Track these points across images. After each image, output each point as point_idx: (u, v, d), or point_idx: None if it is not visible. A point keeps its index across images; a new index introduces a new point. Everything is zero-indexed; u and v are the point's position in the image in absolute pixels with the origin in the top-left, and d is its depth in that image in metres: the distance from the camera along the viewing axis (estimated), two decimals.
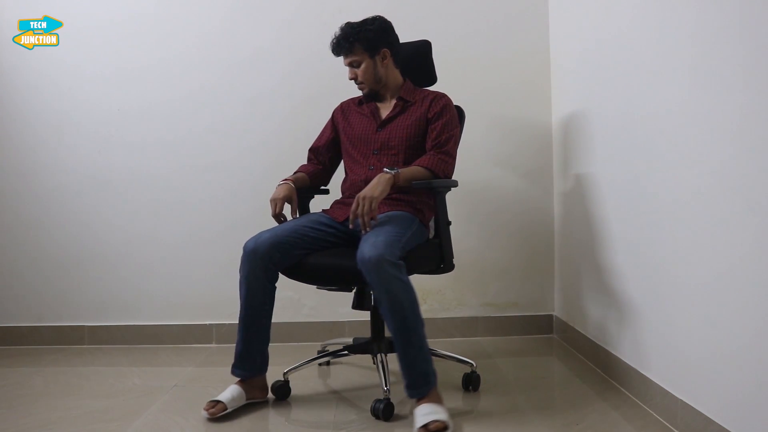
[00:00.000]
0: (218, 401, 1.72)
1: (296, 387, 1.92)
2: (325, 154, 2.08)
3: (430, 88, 2.09)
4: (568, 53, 2.39)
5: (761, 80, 1.19)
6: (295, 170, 2.04)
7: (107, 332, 2.62)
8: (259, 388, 1.83)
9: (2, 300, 2.64)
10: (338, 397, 1.90)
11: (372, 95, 2.02)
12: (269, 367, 2.20)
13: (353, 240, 1.85)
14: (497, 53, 2.59)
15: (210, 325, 2.61)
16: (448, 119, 1.95)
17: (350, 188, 1.96)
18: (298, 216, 1.93)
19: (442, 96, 2.00)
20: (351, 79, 1.98)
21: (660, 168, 1.62)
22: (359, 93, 2.06)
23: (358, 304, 1.92)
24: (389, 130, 1.98)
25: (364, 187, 1.85)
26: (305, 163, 2.10)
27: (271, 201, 1.84)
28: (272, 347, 2.52)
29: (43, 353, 2.50)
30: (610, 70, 1.96)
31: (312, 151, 2.09)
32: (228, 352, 2.49)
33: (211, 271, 2.61)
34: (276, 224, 1.84)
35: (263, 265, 1.73)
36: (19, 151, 2.61)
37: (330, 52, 1.96)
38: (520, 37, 2.59)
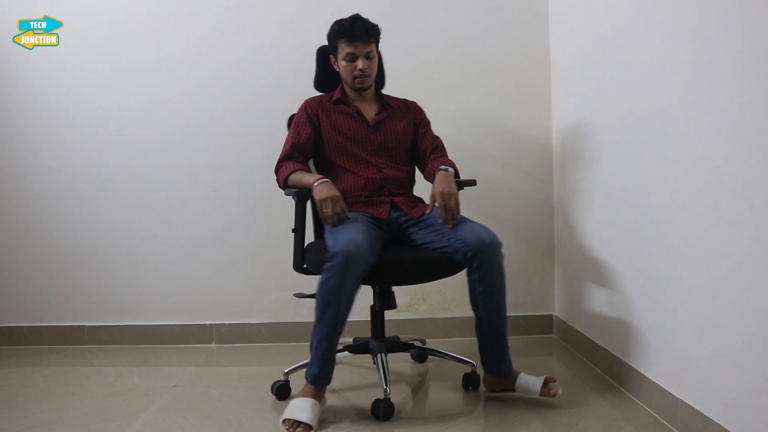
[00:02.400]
0: (302, 422, 1.58)
1: (296, 387, 1.91)
2: (307, 152, 1.99)
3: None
4: (568, 54, 2.39)
5: (761, 81, 1.19)
6: (290, 170, 1.89)
7: (107, 332, 2.62)
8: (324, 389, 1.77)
9: (2, 300, 2.64)
10: (338, 397, 1.89)
11: (360, 93, 2.01)
12: (269, 368, 2.21)
13: (398, 236, 1.91)
14: (497, 55, 2.58)
15: (210, 325, 2.61)
16: (430, 125, 2.14)
17: (367, 186, 1.93)
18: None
19: (416, 104, 2.13)
20: (361, 69, 1.92)
21: (660, 168, 1.61)
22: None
23: (385, 304, 1.92)
24: (384, 132, 2.00)
25: (386, 186, 1.94)
26: (286, 161, 1.93)
27: (327, 200, 1.73)
28: (272, 347, 2.55)
29: (43, 353, 2.50)
30: (609, 72, 1.96)
31: (296, 148, 1.95)
32: (228, 351, 2.51)
33: (211, 271, 2.61)
34: (330, 224, 1.74)
35: (365, 269, 1.64)
36: (19, 151, 2.61)
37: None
38: (521, 39, 2.58)
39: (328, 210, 1.74)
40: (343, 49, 1.92)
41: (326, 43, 2.01)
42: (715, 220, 1.36)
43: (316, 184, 1.79)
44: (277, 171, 1.95)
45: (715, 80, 1.34)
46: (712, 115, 1.36)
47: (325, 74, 2.10)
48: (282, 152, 1.97)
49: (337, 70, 2.00)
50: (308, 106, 2.02)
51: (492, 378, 1.84)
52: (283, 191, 1.94)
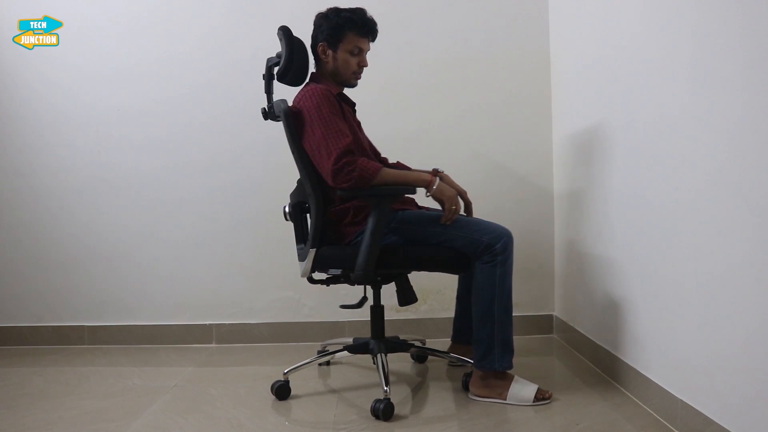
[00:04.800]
0: (538, 389, 1.79)
1: (296, 387, 1.92)
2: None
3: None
4: (568, 56, 2.39)
5: (761, 82, 1.19)
6: (378, 166, 1.71)
7: (107, 332, 2.62)
8: None
9: (2, 300, 2.64)
10: (338, 397, 1.90)
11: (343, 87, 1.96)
12: (269, 368, 2.21)
13: None
14: (498, 57, 2.58)
15: (210, 325, 2.61)
16: None
17: None
18: None
19: None
20: (363, 67, 1.90)
21: (660, 169, 1.61)
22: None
23: (407, 300, 1.87)
24: (362, 131, 2.02)
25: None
26: (359, 156, 1.73)
27: (456, 196, 1.78)
28: (272, 347, 2.55)
29: (43, 353, 2.50)
30: (609, 73, 1.95)
31: (352, 143, 1.73)
32: (228, 351, 2.52)
33: (211, 271, 2.61)
34: (450, 221, 1.77)
35: None
36: (19, 151, 2.62)
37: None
38: (521, 42, 2.58)
39: (456, 206, 1.77)
40: (352, 41, 1.85)
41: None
42: (715, 220, 1.36)
43: (437, 181, 1.77)
44: (346, 165, 1.68)
45: (716, 82, 1.34)
46: (712, 117, 1.36)
47: (293, 64, 1.85)
48: (341, 145, 1.70)
49: (326, 60, 1.88)
50: (333, 94, 1.82)
51: (466, 348, 2.05)
52: (339, 189, 1.73)
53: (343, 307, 1.90)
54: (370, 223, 1.71)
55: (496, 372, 1.80)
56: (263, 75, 1.90)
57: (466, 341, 2.09)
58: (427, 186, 1.77)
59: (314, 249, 1.81)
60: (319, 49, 1.89)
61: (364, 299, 1.93)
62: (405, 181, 1.76)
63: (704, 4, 1.39)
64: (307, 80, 1.95)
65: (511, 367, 1.80)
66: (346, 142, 1.71)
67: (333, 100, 1.80)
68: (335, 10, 1.88)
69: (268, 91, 1.90)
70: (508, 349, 1.80)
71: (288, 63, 1.83)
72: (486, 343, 1.78)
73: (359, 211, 1.83)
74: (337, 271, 1.82)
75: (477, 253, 1.77)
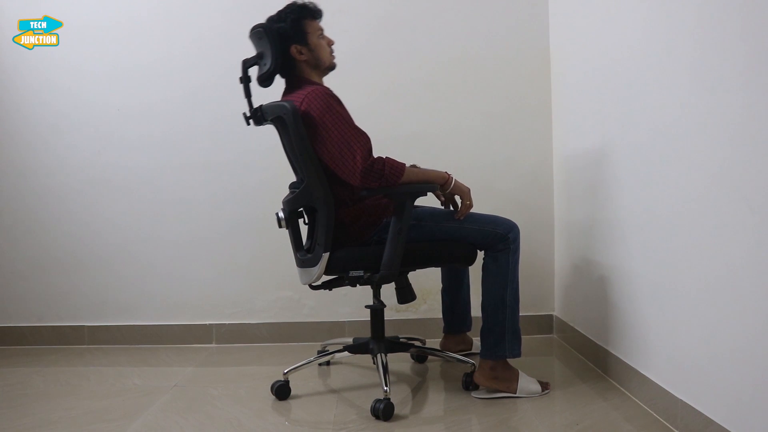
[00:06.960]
0: (542, 382, 1.87)
1: (296, 387, 1.93)
2: None
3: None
4: (568, 60, 2.39)
5: (762, 81, 1.19)
6: (403, 163, 1.73)
7: (107, 332, 2.62)
8: None
9: (2, 300, 2.64)
10: (338, 397, 1.90)
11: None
12: (269, 368, 2.21)
13: None
14: (498, 60, 2.58)
15: (210, 325, 2.61)
16: None
17: None
18: None
19: None
20: (331, 45, 1.88)
21: (660, 170, 1.61)
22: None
23: (405, 298, 1.84)
24: None
25: None
26: (379, 155, 1.73)
27: (470, 192, 1.84)
28: (272, 347, 2.55)
29: (43, 353, 2.50)
30: (610, 76, 1.95)
31: (370, 141, 1.74)
32: (228, 351, 2.51)
33: (211, 271, 2.61)
34: (460, 217, 1.82)
35: None
36: (19, 151, 2.62)
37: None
38: (521, 48, 2.57)
39: (471, 202, 1.83)
40: (312, 27, 1.82)
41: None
42: (716, 220, 1.36)
43: (454, 177, 1.83)
44: (375, 164, 1.67)
45: (717, 83, 1.34)
46: (713, 119, 1.36)
47: (278, 64, 1.80)
48: (363, 143, 1.69)
49: (303, 57, 1.82)
50: (335, 94, 1.78)
51: (459, 338, 2.25)
52: (365, 188, 1.71)
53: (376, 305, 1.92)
54: (395, 221, 1.71)
55: (504, 363, 1.83)
56: (240, 78, 1.79)
57: (458, 330, 2.24)
58: (445, 183, 1.82)
59: (327, 253, 1.75)
60: (293, 50, 1.81)
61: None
62: (427, 178, 1.79)
63: (705, 12, 1.39)
64: (286, 85, 1.89)
65: (520, 354, 1.83)
66: (367, 139, 1.71)
67: (339, 99, 1.76)
68: (280, 14, 1.84)
69: (249, 94, 1.81)
70: (517, 337, 1.84)
71: (274, 64, 1.77)
72: (498, 331, 1.82)
73: (373, 210, 1.83)
74: (359, 273, 1.77)
75: (491, 244, 1.83)
